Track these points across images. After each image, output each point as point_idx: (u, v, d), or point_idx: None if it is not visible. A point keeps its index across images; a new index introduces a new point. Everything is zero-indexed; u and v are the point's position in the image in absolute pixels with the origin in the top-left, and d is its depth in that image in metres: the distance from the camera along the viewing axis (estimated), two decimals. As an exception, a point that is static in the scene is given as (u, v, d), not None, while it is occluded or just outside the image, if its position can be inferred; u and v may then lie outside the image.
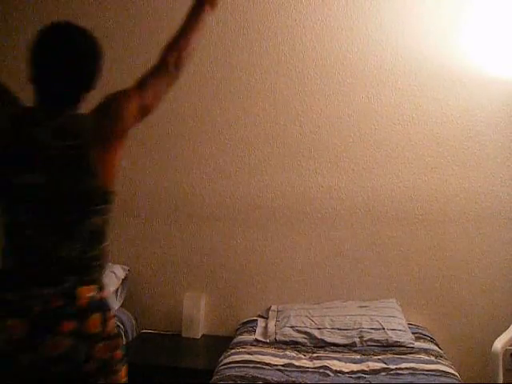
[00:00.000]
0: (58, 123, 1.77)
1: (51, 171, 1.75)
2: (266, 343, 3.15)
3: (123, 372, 1.85)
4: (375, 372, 2.78)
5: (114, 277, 3.39)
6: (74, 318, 1.72)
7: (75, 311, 1.73)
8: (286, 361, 2.90)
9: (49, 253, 1.76)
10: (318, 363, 2.88)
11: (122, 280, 3.48)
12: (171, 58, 1.91)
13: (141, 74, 1.92)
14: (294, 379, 2.69)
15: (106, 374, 1.77)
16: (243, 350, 3.04)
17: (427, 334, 3.29)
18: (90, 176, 1.77)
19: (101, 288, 1.82)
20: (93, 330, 1.75)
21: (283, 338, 3.17)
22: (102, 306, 1.80)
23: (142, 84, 1.88)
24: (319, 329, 3.19)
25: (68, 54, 1.79)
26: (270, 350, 3.04)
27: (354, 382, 2.69)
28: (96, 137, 1.77)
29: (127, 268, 3.55)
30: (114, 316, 1.86)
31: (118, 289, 3.45)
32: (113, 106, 1.82)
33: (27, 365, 1.70)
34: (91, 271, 1.81)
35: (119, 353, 1.83)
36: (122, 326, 3.29)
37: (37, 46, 1.79)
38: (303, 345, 3.13)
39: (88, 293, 1.77)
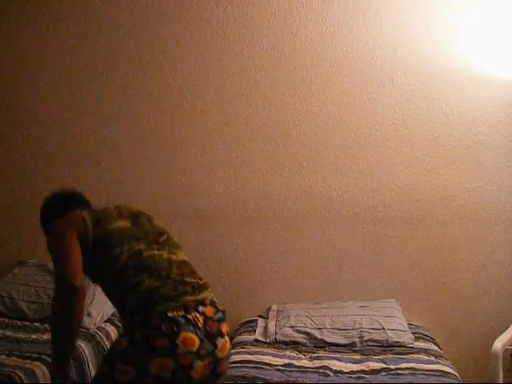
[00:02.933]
0: None
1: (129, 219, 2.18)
2: (266, 343, 3.15)
3: None
4: (375, 372, 2.78)
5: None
6: (224, 321, 1.99)
7: (222, 315, 2.00)
8: (285, 361, 2.91)
9: (171, 260, 2.03)
10: (317, 363, 2.88)
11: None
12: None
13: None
14: (294, 379, 2.69)
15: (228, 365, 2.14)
16: (243, 350, 3.04)
17: (427, 334, 3.29)
18: None
19: None
20: (226, 330, 2.00)
21: (283, 338, 3.17)
22: None
23: None
24: (319, 329, 3.19)
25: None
26: (269, 350, 3.04)
27: (353, 381, 2.69)
28: None
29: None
30: None
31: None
32: None
33: (204, 371, 1.88)
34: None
35: None
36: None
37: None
38: (303, 345, 3.13)
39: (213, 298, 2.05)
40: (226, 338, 1.95)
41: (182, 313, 1.86)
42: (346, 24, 3.46)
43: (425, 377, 2.71)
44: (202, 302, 1.95)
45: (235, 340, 3.21)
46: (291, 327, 3.22)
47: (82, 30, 3.62)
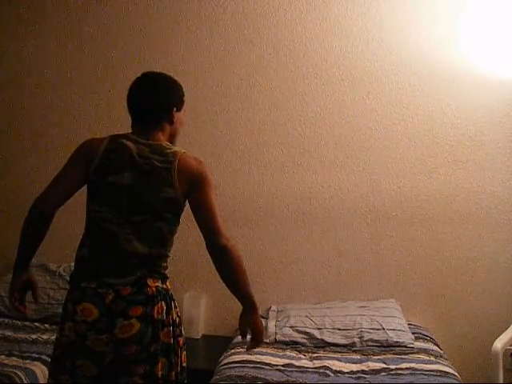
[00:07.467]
0: (151, 143, 2.06)
1: (138, 176, 2.01)
2: (266, 343, 3.14)
3: (183, 357, 2.08)
4: (375, 372, 2.78)
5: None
6: (141, 304, 1.95)
7: (143, 298, 1.96)
8: (286, 361, 2.91)
9: (120, 246, 1.99)
10: (317, 363, 2.88)
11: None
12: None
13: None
14: (294, 379, 2.69)
15: (169, 355, 1.99)
16: (243, 349, 3.04)
17: (427, 334, 3.29)
18: (169, 186, 2.01)
19: (165, 281, 2.05)
20: (157, 316, 1.96)
21: (283, 338, 3.17)
22: (166, 296, 2.02)
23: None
24: (319, 329, 3.19)
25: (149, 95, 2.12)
26: (269, 350, 3.04)
27: (353, 381, 2.69)
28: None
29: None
30: (177, 307, 2.07)
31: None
32: (197, 193, 2.12)
33: (101, 344, 1.93)
34: (157, 267, 2.03)
35: (181, 340, 2.06)
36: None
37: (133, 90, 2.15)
38: (303, 345, 3.13)
39: (154, 283, 2.00)
40: (133, 321, 1.94)
41: (93, 285, 1.97)
42: (346, 24, 3.46)
43: (425, 377, 2.71)
44: (122, 283, 1.97)
45: (235, 340, 3.21)
46: (291, 327, 3.22)
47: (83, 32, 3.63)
